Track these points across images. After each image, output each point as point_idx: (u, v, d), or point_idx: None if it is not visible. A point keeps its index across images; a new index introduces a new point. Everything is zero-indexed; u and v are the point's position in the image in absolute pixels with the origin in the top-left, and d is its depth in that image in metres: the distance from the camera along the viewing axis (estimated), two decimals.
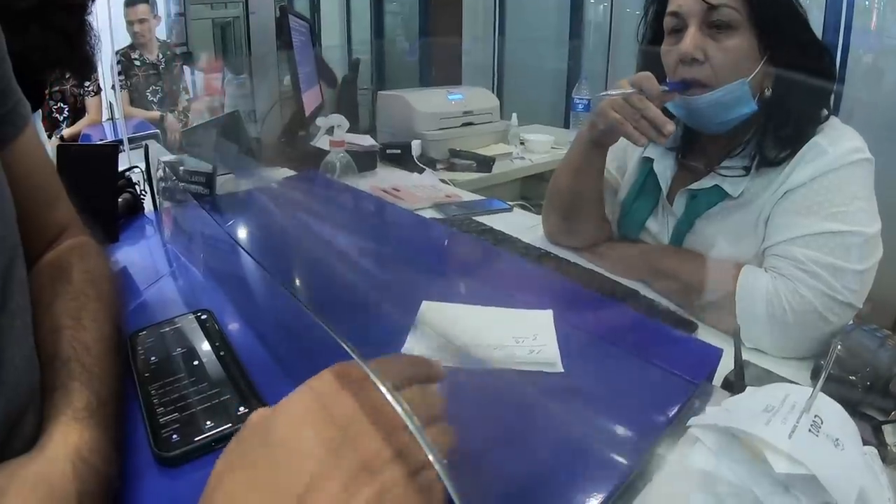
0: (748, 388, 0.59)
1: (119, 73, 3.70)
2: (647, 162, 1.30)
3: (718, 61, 1.07)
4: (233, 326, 0.84)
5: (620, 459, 0.52)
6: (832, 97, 1.14)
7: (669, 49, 1.13)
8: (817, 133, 1.07)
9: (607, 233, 1.35)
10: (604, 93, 1.12)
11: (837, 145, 1.04)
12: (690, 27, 1.08)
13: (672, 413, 0.62)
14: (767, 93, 1.10)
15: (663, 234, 1.25)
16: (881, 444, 0.71)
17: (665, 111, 1.18)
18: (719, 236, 1.14)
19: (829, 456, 0.47)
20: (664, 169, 1.26)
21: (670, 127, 1.07)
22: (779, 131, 1.09)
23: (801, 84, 1.07)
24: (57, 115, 3.65)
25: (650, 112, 1.07)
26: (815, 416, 0.50)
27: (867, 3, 2.95)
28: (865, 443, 0.65)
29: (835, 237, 0.99)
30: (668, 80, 1.13)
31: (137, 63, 3.88)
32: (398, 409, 0.35)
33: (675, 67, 1.11)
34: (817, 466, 0.45)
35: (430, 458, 0.33)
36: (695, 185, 1.18)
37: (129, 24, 3.81)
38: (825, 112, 1.10)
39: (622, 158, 1.39)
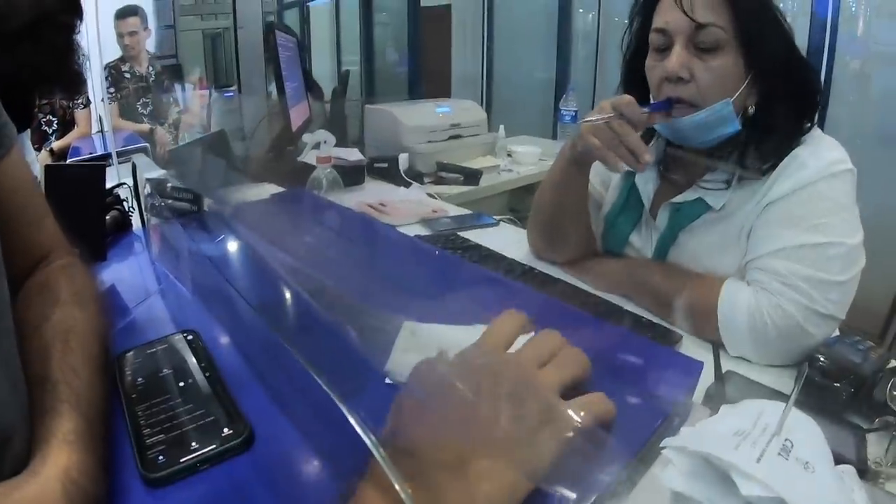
0: (722, 408, 0.60)
1: (109, 87, 3.71)
2: (630, 176, 1.30)
3: (704, 81, 1.07)
4: (219, 346, 0.84)
5: (592, 481, 0.53)
6: (815, 114, 1.14)
7: (655, 65, 1.13)
8: (799, 145, 1.08)
9: (592, 247, 1.36)
10: (587, 119, 1.12)
11: (818, 157, 1.05)
12: (676, 45, 1.08)
13: (648, 433, 0.63)
14: (751, 110, 1.11)
15: (647, 249, 1.26)
16: (862, 460, 0.72)
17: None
18: (702, 249, 1.15)
19: (798, 479, 0.48)
20: (646, 183, 1.27)
21: (648, 156, 1.08)
22: (760, 146, 1.10)
23: (784, 102, 1.08)
24: (46, 128, 3.66)
25: (630, 139, 1.08)
26: (786, 440, 0.51)
27: (853, 9, 2.97)
28: (846, 460, 0.66)
29: (815, 249, 0.99)
30: (650, 100, 1.14)
31: (127, 76, 3.89)
32: (367, 440, 0.36)
33: (660, 84, 1.12)
34: (785, 490, 0.46)
35: (393, 481, 0.34)
36: (677, 199, 1.19)
37: (120, 36, 3.81)
38: (807, 124, 1.10)
39: (606, 173, 1.38)
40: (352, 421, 0.36)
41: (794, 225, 1.02)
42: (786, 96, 1.09)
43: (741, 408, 0.59)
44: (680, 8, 1.06)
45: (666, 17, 1.09)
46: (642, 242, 1.28)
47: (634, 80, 1.23)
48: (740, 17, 1.04)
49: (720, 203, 1.13)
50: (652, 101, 1.14)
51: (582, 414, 0.50)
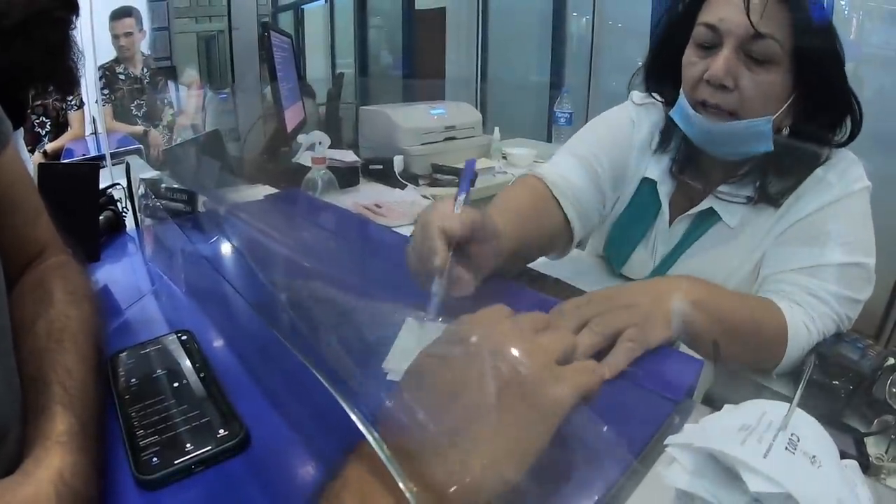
0: (726, 406, 0.59)
1: (102, 88, 3.69)
2: (648, 183, 1.24)
3: (748, 93, 1.00)
4: (213, 347, 0.83)
5: (596, 480, 0.52)
6: (851, 140, 1.07)
7: (696, 62, 1.05)
8: (821, 163, 1.05)
9: (569, 234, 1.23)
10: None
11: (842, 176, 1.03)
12: (725, 49, 0.99)
13: (650, 432, 0.63)
14: (786, 131, 1.05)
15: (650, 260, 1.24)
16: (863, 456, 0.72)
17: (671, 122, 1.14)
18: (708, 266, 1.13)
19: (805, 474, 0.47)
20: (666, 193, 1.21)
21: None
22: (787, 168, 1.06)
23: (822, 127, 1.04)
24: (39, 130, 3.65)
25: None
26: (792, 435, 0.50)
27: (846, 12, 2.97)
28: (847, 456, 0.66)
29: (843, 268, 0.98)
30: (679, 94, 1.09)
31: (122, 77, 3.87)
32: (369, 437, 0.36)
33: (697, 84, 1.05)
34: (793, 484, 0.46)
35: (400, 485, 0.34)
36: (693, 210, 1.16)
37: (115, 37, 3.80)
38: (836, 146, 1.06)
39: (621, 169, 1.26)
40: (353, 417, 0.36)
41: (822, 243, 1.01)
42: (824, 121, 1.04)
43: (744, 407, 0.58)
44: (744, 10, 0.97)
45: (720, 13, 1.01)
46: (648, 253, 1.25)
47: (662, 72, 1.17)
48: (801, 35, 0.97)
49: (735, 219, 1.11)
50: (679, 100, 1.09)
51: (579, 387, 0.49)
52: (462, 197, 0.87)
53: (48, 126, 3.68)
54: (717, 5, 1.02)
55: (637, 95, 1.30)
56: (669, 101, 1.17)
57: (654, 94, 1.23)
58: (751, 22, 0.96)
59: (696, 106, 1.06)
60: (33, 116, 3.58)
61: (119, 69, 3.87)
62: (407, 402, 0.47)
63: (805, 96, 1.02)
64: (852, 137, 1.06)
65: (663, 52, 1.17)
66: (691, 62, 1.06)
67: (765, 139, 1.03)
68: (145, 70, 3.96)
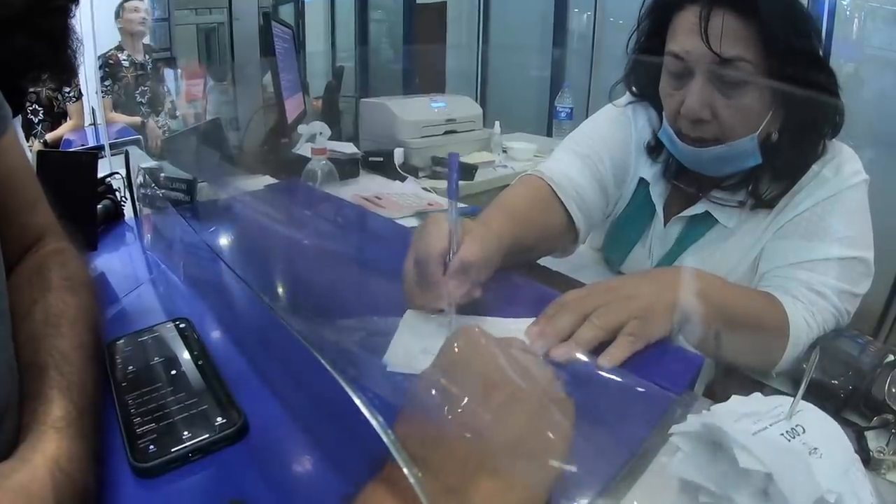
0: (734, 397, 0.59)
1: (103, 79, 3.68)
2: (643, 184, 1.22)
3: (728, 120, 0.98)
4: (212, 335, 0.83)
5: (599, 471, 0.52)
6: (838, 132, 1.05)
7: (672, 93, 1.04)
8: (816, 160, 1.03)
9: (573, 234, 1.20)
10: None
11: (838, 171, 1.02)
12: (696, 81, 0.98)
13: (653, 423, 0.62)
14: (774, 137, 1.03)
15: (647, 261, 1.22)
16: (864, 451, 0.71)
17: (658, 142, 1.14)
18: (707, 267, 1.10)
19: (795, 460, 0.47)
20: (659, 195, 1.20)
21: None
22: (779, 171, 1.05)
23: (809, 126, 1.02)
24: (32, 117, 3.62)
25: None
26: (797, 426, 0.50)
27: (848, 12, 2.97)
28: None
29: (843, 263, 0.98)
30: (662, 114, 1.09)
31: (125, 64, 3.84)
32: (375, 423, 0.35)
33: (676, 115, 1.03)
34: (776, 466, 0.46)
35: (403, 468, 0.33)
36: (687, 212, 1.15)
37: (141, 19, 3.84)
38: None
39: (622, 167, 1.24)
40: (359, 404, 0.35)
41: (820, 238, 1.00)
42: (812, 120, 1.02)
43: (754, 398, 0.58)
44: (703, 38, 0.94)
45: (685, 43, 0.98)
46: (645, 253, 1.24)
47: (644, 82, 1.17)
48: (772, 50, 0.93)
49: (732, 221, 1.10)
50: (664, 124, 1.09)
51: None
52: (455, 216, 0.79)
53: (41, 114, 3.66)
54: (681, 33, 0.99)
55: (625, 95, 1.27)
56: (656, 106, 1.16)
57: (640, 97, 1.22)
58: (713, 52, 0.93)
59: (679, 135, 1.06)
60: (26, 103, 3.57)
61: (122, 56, 3.84)
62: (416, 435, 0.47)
63: (789, 102, 0.99)
64: (837, 127, 1.04)
65: (641, 68, 1.16)
66: (667, 93, 1.05)
67: (752, 155, 1.02)
68: (147, 57, 3.94)
